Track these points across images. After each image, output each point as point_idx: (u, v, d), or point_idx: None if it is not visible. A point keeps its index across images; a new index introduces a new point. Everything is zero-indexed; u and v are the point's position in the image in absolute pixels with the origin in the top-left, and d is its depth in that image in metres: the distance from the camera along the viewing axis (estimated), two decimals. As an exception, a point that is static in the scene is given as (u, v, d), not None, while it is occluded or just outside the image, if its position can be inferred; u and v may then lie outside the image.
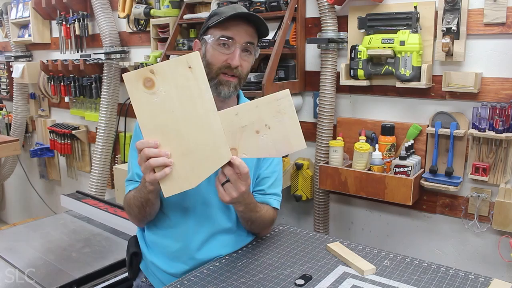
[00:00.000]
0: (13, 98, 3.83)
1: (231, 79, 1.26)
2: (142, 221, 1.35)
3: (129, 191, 1.32)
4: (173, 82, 1.04)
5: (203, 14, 2.29)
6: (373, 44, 1.79)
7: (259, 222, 1.32)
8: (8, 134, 3.87)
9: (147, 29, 2.68)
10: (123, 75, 1.05)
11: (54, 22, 3.35)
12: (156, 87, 1.04)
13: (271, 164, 1.38)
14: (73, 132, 3.31)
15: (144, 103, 1.04)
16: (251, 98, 1.93)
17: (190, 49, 2.21)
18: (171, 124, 1.05)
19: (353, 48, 1.86)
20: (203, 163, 1.07)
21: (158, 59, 2.37)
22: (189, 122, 1.06)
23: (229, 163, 1.09)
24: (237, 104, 1.38)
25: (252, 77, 1.96)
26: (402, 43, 1.71)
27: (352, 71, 1.88)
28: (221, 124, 1.07)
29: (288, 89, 1.09)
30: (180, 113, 1.05)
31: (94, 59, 2.99)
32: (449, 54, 1.69)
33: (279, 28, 2.05)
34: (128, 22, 2.80)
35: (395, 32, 1.75)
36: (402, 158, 1.78)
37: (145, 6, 2.50)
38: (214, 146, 1.07)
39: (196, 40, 1.34)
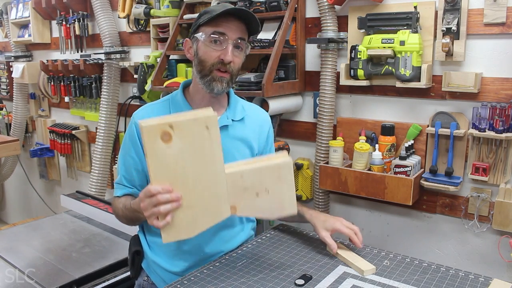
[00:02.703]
0: (13, 98, 3.83)
1: (224, 75, 1.28)
2: (131, 225, 1.39)
3: (117, 197, 1.33)
4: (190, 139, 1.06)
5: (203, 14, 2.29)
6: (373, 44, 1.79)
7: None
8: (8, 134, 3.87)
9: (147, 29, 2.68)
10: (142, 126, 1.02)
11: (54, 22, 3.35)
12: (173, 142, 1.05)
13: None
14: (73, 132, 3.31)
15: (158, 153, 1.05)
16: (251, 98, 1.94)
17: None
18: (180, 177, 1.07)
19: (353, 48, 1.86)
20: (203, 216, 1.11)
21: (158, 59, 2.37)
22: (197, 179, 1.08)
23: None
24: (228, 101, 1.41)
25: (252, 77, 1.96)
26: (402, 43, 1.71)
27: (352, 71, 1.88)
28: (227, 184, 1.11)
29: (290, 158, 1.15)
30: (191, 169, 1.08)
31: (94, 59, 2.99)
32: (449, 54, 1.69)
33: (279, 28, 2.05)
34: (128, 22, 2.80)
35: (395, 32, 1.75)
36: (402, 158, 1.78)
37: (145, 6, 2.49)
38: (216, 203, 1.11)
39: (187, 39, 1.35)
